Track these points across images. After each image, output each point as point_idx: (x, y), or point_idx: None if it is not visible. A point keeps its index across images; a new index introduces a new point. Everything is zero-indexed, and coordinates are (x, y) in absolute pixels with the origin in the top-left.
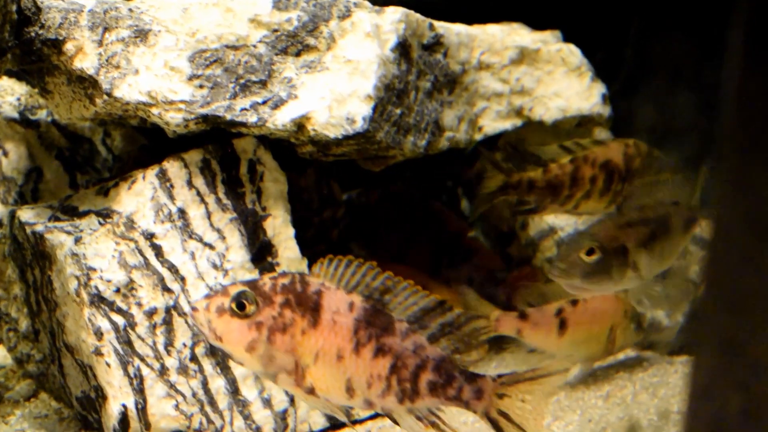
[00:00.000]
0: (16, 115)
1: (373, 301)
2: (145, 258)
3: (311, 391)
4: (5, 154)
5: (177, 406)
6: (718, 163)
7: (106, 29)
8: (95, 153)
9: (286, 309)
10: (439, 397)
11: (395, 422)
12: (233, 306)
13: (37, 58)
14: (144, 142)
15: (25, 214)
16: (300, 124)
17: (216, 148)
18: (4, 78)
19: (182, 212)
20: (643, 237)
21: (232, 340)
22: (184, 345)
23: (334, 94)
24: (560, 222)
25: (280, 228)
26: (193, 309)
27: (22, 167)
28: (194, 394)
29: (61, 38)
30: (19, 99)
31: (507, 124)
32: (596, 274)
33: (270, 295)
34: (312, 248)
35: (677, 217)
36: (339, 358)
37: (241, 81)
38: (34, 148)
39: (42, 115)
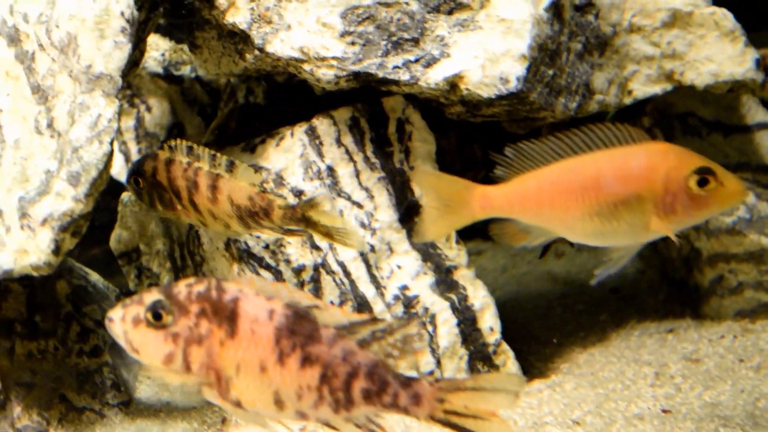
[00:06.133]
0: (160, 70)
1: (295, 307)
2: None
3: (238, 405)
4: (148, 109)
5: None
6: None
7: None
8: None
9: (202, 319)
10: (375, 404)
11: (335, 429)
12: (149, 316)
13: (187, 12)
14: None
15: None
16: (453, 83)
17: (365, 107)
18: None
19: (331, 170)
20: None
21: (148, 353)
22: (332, 303)
23: (487, 53)
24: None
25: None
26: (109, 320)
27: (164, 123)
28: None
29: None
30: (163, 54)
31: (657, 89)
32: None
33: (185, 304)
34: None
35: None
36: (262, 369)
37: (393, 38)
38: (177, 104)
39: (186, 70)
